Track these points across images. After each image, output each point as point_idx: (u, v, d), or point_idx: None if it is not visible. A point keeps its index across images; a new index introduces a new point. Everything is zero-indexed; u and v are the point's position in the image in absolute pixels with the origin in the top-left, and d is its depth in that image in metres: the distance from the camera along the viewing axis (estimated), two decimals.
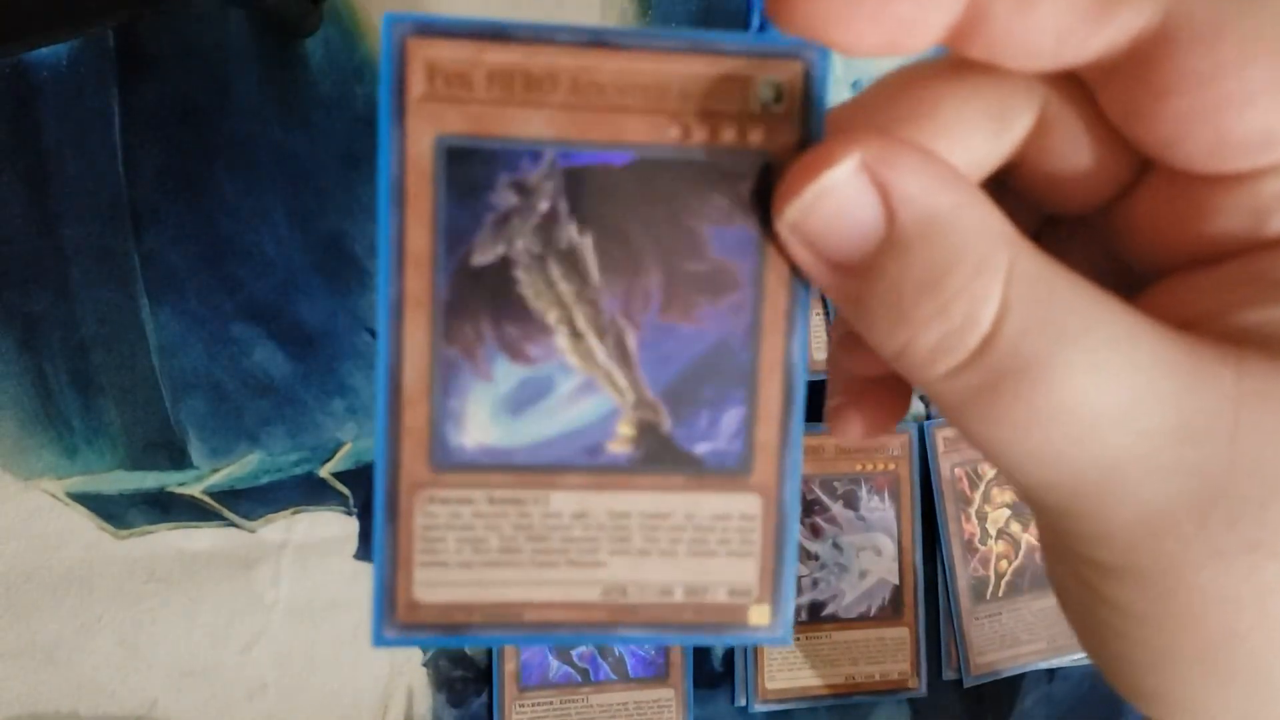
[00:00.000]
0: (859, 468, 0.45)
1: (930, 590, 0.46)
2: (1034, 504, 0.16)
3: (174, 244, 0.40)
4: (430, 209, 0.17)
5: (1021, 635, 0.46)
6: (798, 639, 0.44)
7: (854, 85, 0.45)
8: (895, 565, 0.45)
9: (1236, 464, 0.14)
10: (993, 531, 0.46)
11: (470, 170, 0.17)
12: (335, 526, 0.41)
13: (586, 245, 0.18)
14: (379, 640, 0.16)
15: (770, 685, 0.44)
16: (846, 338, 0.19)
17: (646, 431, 0.18)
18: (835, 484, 0.45)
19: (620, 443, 0.18)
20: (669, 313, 0.18)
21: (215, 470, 0.40)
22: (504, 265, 0.18)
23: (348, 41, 0.41)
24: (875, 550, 0.45)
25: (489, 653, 0.42)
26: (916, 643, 0.45)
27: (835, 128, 0.16)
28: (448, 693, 0.42)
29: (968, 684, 0.46)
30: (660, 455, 0.18)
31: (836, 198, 0.15)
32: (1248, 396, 0.14)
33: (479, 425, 0.18)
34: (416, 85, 0.16)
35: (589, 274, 0.18)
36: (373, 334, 0.41)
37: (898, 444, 0.45)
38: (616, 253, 0.18)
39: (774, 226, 0.16)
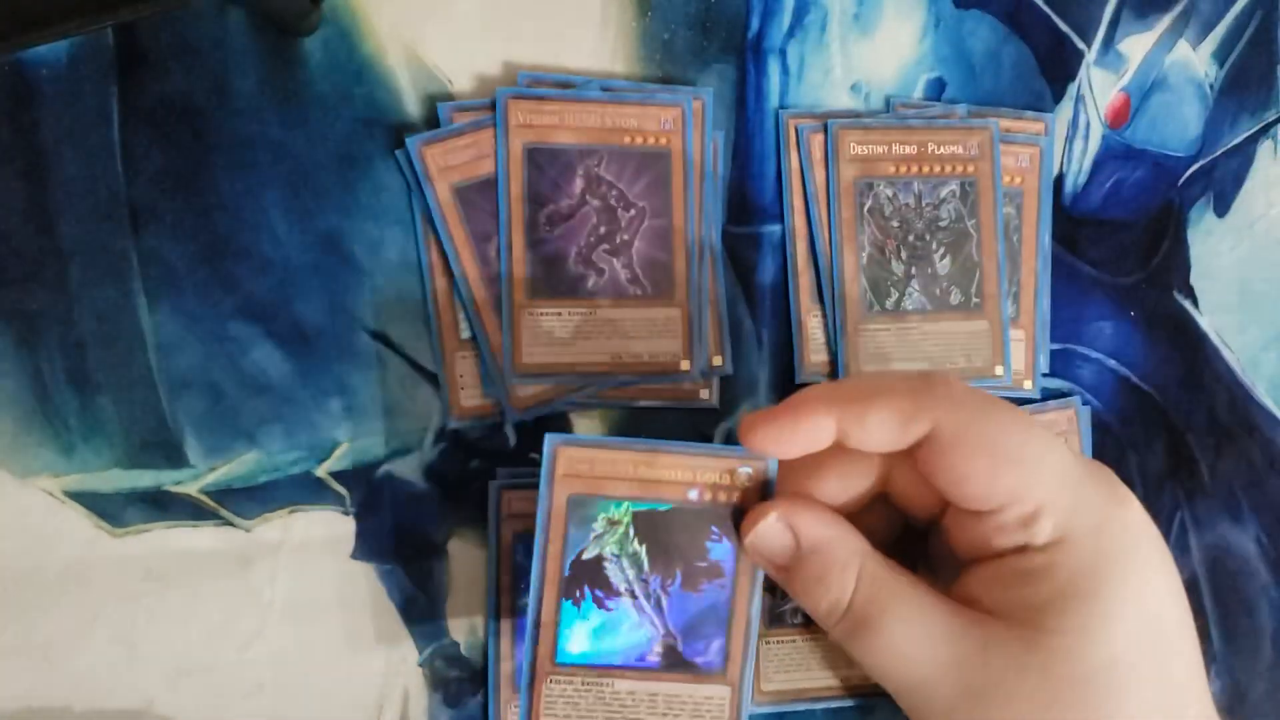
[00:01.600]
0: None
1: None
2: (892, 694, 0.30)
3: (172, 242, 0.40)
4: (561, 538, 0.35)
5: None
6: (795, 640, 0.44)
7: (853, 87, 0.45)
8: None
9: (989, 682, 0.27)
10: None
11: (581, 513, 0.35)
12: (332, 526, 0.41)
13: (643, 551, 0.35)
14: None
15: (767, 687, 0.44)
16: None
17: (669, 650, 0.36)
18: None
19: (654, 655, 0.36)
20: (685, 588, 0.35)
21: (212, 469, 0.40)
22: (597, 560, 0.35)
23: (348, 41, 0.41)
24: None
25: (485, 654, 0.42)
26: None
27: (781, 481, 0.33)
28: (443, 694, 0.42)
29: None
30: (676, 663, 0.36)
31: (769, 533, 0.31)
32: (992, 646, 0.27)
33: (578, 642, 0.35)
34: (560, 469, 0.34)
35: (643, 566, 0.35)
36: (372, 334, 0.41)
37: None
38: (659, 556, 0.35)
39: (741, 544, 0.33)
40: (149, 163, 0.40)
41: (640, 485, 0.34)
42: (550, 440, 0.34)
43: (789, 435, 0.30)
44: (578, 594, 0.35)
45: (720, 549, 0.35)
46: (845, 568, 0.29)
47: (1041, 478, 0.27)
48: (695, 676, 0.35)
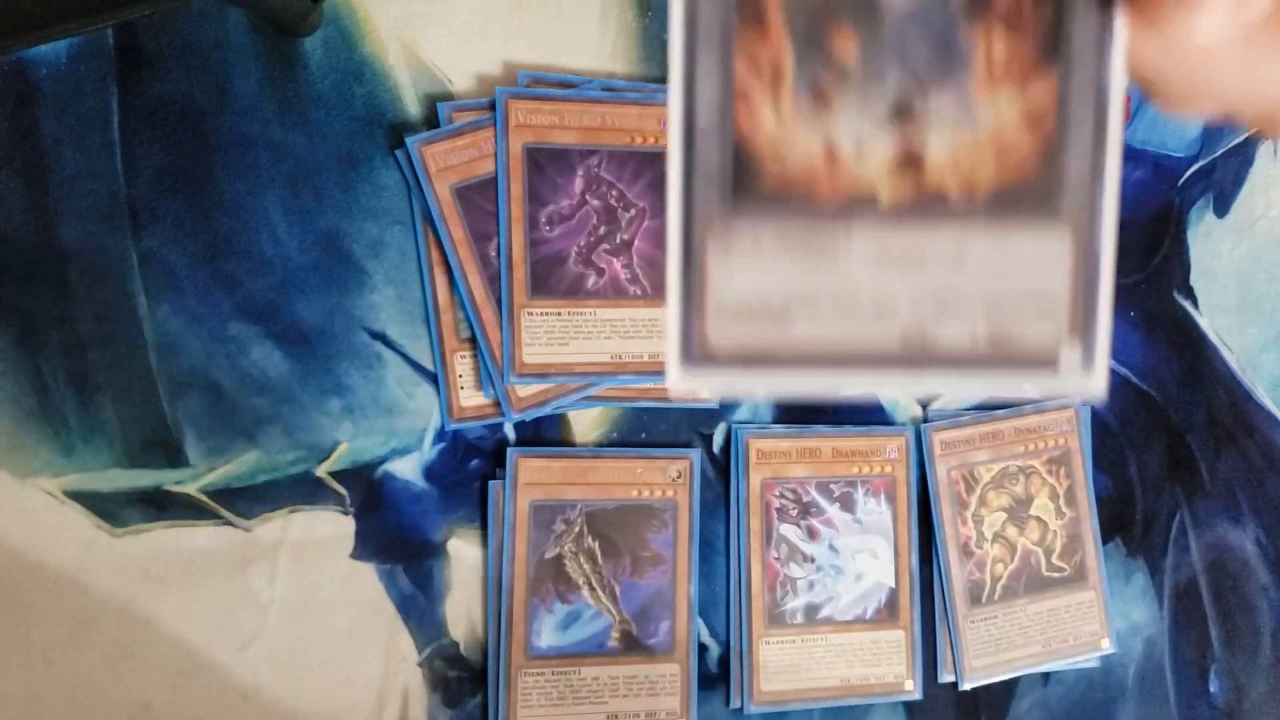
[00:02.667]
0: (856, 470, 0.45)
1: (926, 593, 0.46)
2: None
3: (172, 242, 0.40)
4: (526, 541, 0.40)
5: (1017, 639, 0.46)
6: (793, 641, 0.44)
7: None
8: (891, 568, 0.45)
9: None
10: (989, 535, 0.46)
11: (542, 517, 0.41)
12: (331, 526, 0.41)
13: (595, 546, 0.41)
14: None
15: (765, 687, 0.43)
16: None
17: (625, 635, 0.41)
18: (832, 486, 0.45)
19: (613, 641, 0.41)
20: (634, 577, 0.41)
21: (212, 469, 0.40)
22: (558, 557, 0.41)
23: (347, 41, 0.41)
24: (871, 553, 0.45)
25: (484, 653, 0.42)
26: (912, 646, 0.45)
27: None
28: (443, 693, 0.42)
29: (963, 687, 0.46)
30: (632, 645, 0.41)
31: None
32: None
33: (547, 635, 0.41)
34: (522, 478, 0.41)
35: (597, 560, 0.41)
36: (372, 334, 0.41)
37: (895, 446, 0.45)
38: (610, 550, 0.40)
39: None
40: (149, 163, 0.40)
41: (590, 488, 0.41)
42: (511, 454, 0.40)
43: None
44: (543, 591, 0.41)
45: (661, 539, 0.42)
46: None
47: None
48: (650, 658, 0.41)
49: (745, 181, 0.15)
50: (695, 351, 0.15)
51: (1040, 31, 0.15)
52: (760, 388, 0.16)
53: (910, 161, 0.15)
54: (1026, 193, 0.15)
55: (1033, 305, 0.15)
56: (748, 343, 0.15)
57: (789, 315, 0.15)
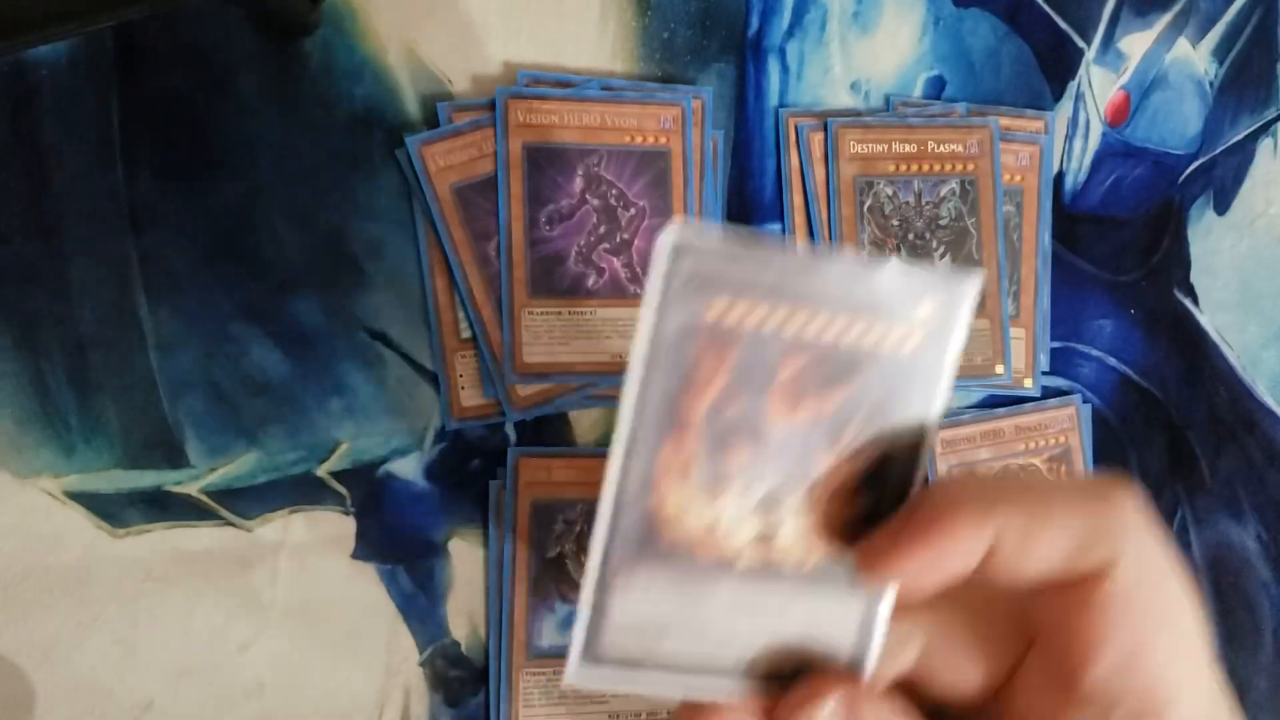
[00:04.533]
0: None
1: None
2: None
3: (172, 243, 0.40)
4: (527, 541, 0.40)
5: None
6: None
7: (853, 86, 0.45)
8: None
9: None
10: None
11: (543, 517, 0.40)
12: (333, 526, 0.41)
13: None
14: None
15: None
16: None
17: None
18: None
19: None
20: None
21: (213, 469, 0.40)
22: (559, 557, 0.40)
23: (347, 41, 0.41)
24: None
25: (485, 653, 0.42)
26: None
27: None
28: (444, 693, 0.42)
29: None
30: None
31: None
32: None
33: (548, 635, 0.40)
34: (523, 478, 0.41)
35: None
36: (372, 334, 0.41)
37: None
38: None
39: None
40: (149, 163, 0.40)
41: (592, 488, 0.40)
42: (512, 453, 0.41)
43: (933, 562, 0.21)
44: (545, 592, 0.41)
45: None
46: None
47: (1189, 680, 0.21)
48: None
49: (649, 541, 0.21)
50: (592, 655, 0.21)
51: (864, 463, 0.21)
52: (635, 686, 0.22)
53: (764, 539, 0.21)
54: (839, 572, 0.22)
55: (829, 647, 0.22)
56: (631, 652, 0.21)
57: (663, 635, 0.21)
